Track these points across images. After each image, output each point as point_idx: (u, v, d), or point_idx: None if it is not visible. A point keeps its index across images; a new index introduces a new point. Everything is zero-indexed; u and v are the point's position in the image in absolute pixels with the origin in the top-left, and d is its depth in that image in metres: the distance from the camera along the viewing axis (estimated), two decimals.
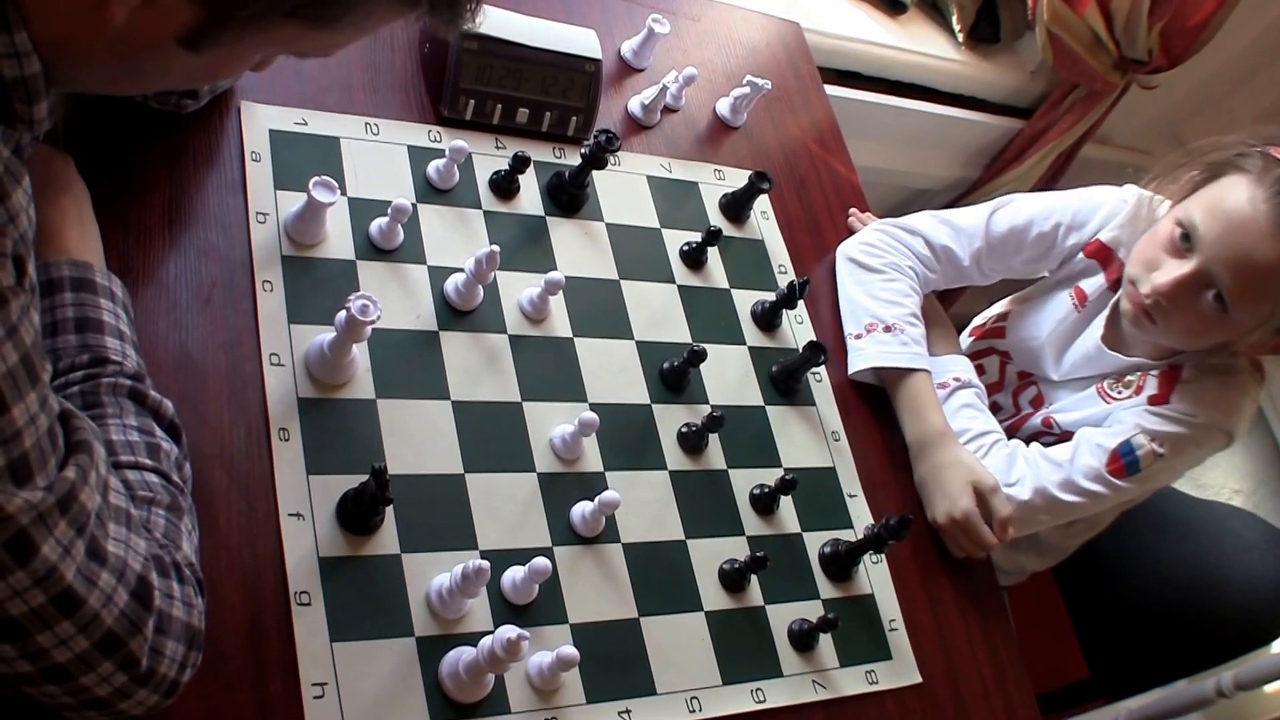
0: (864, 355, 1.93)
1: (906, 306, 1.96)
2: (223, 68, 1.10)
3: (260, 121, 1.61)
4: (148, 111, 1.51)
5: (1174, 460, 1.89)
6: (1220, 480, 3.95)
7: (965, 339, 2.26)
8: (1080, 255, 2.03)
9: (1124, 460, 1.87)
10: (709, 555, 1.62)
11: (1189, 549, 2.42)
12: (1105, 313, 1.99)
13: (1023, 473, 1.88)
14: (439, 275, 1.62)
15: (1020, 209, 2.05)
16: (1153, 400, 1.91)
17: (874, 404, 1.96)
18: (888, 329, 1.93)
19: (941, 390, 1.95)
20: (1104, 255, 2.01)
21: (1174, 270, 1.78)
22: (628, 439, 1.65)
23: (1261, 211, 1.70)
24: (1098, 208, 2.02)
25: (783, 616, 1.64)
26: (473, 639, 1.36)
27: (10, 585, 0.94)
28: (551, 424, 1.59)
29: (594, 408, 1.63)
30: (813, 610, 1.66)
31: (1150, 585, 2.37)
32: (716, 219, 1.97)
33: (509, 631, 1.28)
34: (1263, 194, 1.71)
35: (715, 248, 1.90)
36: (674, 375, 1.73)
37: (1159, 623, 2.37)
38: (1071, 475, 1.88)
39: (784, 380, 1.85)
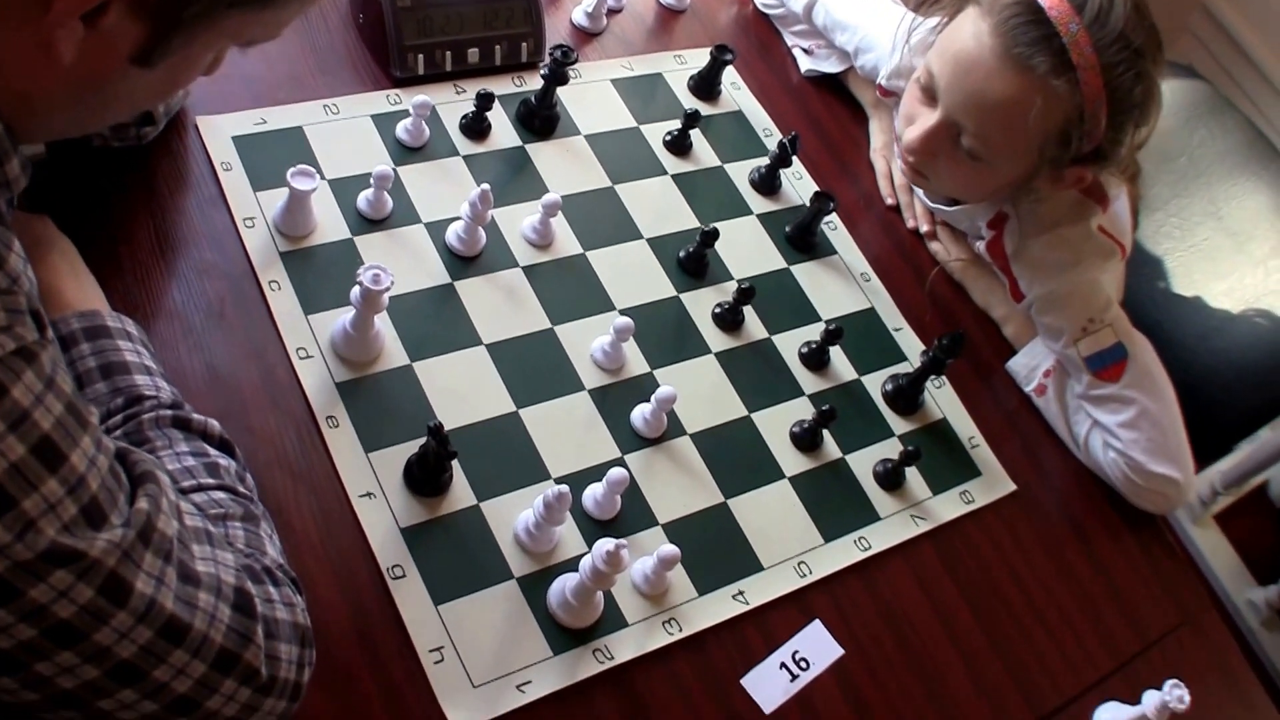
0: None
1: None
2: (180, 75, 1.08)
3: (221, 131, 1.60)
4: (109, 152, 1.49)
5: (1093, 300, 1.74)
6: None
7: None
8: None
9: (1104, 363, 1.73)
10: (776, 423, 1.62)
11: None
12: None
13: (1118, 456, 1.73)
14: (438, 229, 1.61)
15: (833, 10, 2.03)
16: (991, 249, 1.83)
17: (894, 232, 1.95)
18: None
19: (1039, 397, 1.83)
20: (891, 97, 1.95)
21: (923, 124, 1.69)
22: (665, 334, 1.65)
23: (987, 46, 1.58)
24: (877, 41, 1.95)
25: (864, 462, 1.64)
26: (572, 565, 1.36)
27: (115, 628, 0.94)
28: (588, 340, 1.59)
29: (624, 313, 1.62)
30: (892, 449, 1.66)
31: (1211, 343, 2.32)
32: (690, 102, 1.94)
33: (606, 544, 1.28)
34: (988, 27, 1.59)
35: (697, 130, 1.88)
36: (692, 261, 1.72)
37: (1227, 380, 2.33)
38: (1115, 427, 1.73)
39: (800, 237, 1.83)
